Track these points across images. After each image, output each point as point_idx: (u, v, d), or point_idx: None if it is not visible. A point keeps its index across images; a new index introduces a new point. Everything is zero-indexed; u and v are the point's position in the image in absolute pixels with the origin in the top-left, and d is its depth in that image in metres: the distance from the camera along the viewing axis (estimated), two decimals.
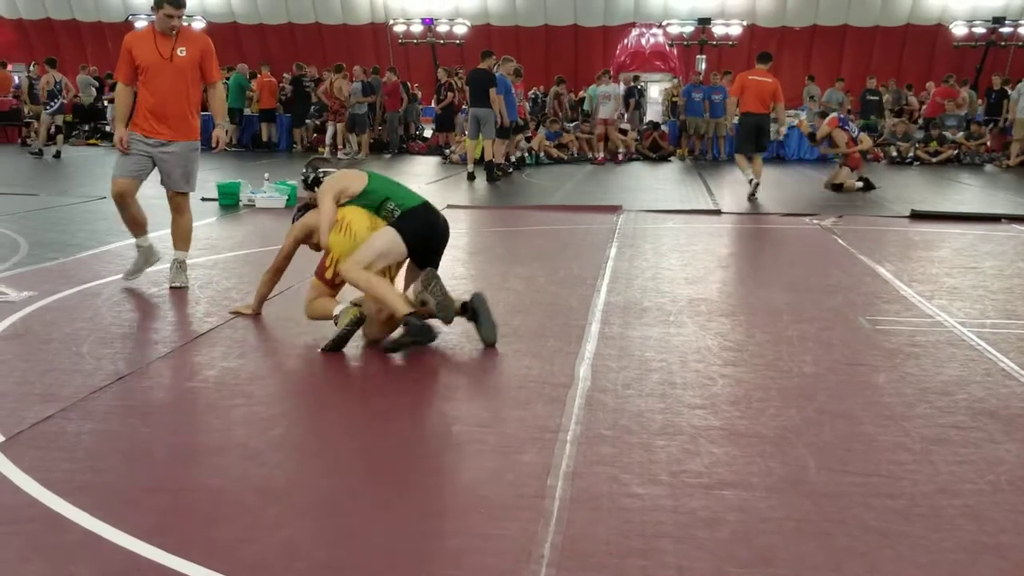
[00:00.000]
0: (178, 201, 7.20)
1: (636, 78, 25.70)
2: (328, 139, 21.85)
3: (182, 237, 7.17)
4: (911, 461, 3.83)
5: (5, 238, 9.18)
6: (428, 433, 4.16)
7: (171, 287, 6.92)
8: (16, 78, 26.58)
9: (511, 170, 17.51)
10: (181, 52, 6.84)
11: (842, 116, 16.15)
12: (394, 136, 22.64)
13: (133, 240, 7.30)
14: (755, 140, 13.83)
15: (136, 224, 7.20)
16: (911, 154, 21.35)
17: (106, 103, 25.78)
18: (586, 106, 23.91)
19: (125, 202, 7.06)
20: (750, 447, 3.96)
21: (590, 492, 3.48)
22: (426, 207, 5.74)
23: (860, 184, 14.73)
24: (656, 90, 29.99)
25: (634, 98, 24.37)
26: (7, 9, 34.60)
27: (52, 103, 20.17)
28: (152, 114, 6.87)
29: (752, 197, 13.38)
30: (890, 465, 3.79)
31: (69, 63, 32.52)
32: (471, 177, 16.18)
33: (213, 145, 7.39)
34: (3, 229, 9.68)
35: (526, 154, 19.61)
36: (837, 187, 14.75)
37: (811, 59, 31.88)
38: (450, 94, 21.37)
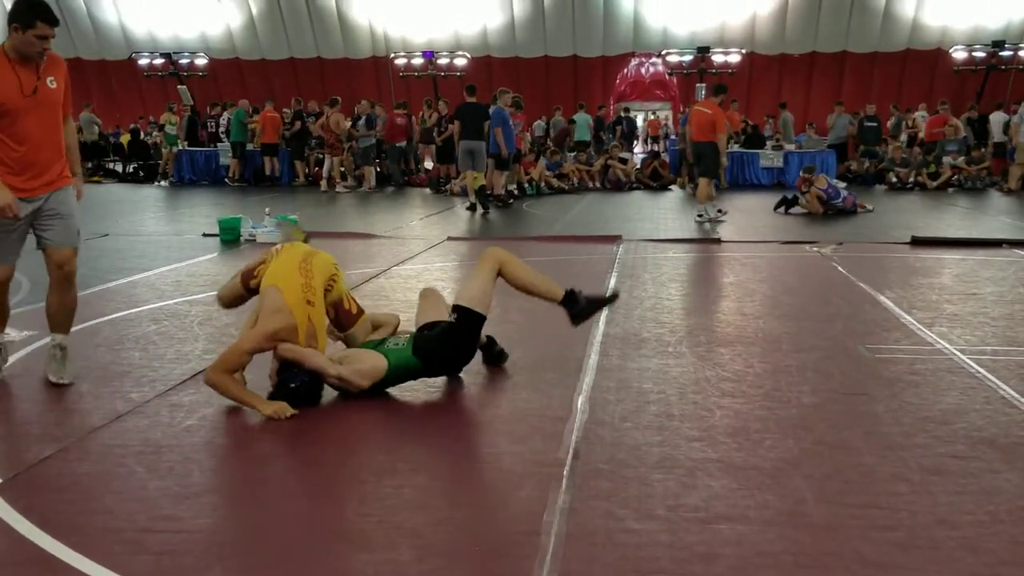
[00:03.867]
0: (70, 265, 5.56)
1: (626, 109, 26.09)
2: (324, 172, 21.96)
3: (67, 313, 5.60)
4: (909, 492, 3.82)
5: None
6: (424, 468, 4.15)
7: (53, 382, 5.42)
8: None
9: (511, 200, 17.54)
10: (51, 83, 5.29)
11: (831, 184, 16.44)
12: (395, 169, 22.74)
13: None
14: (697, 165, 15.05)
15: (2, 318, 5.74)
16: (911, 179, 21.37)
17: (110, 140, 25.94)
18: (578, 136, 24.33)
19: (4, 293, 5.63)
20: (748, 480, 3.95)
21: (586, 528, 3.47)
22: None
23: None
24: (640, 119, 30.31)
25: (621, 126, 24.64)
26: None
27: None
28: (22, 168, 5.24)
29: (698, 220, 14.32)
30: (888, 496, 3.78)
31: (72, 101, 32.68)
32: (471, 208, 16.22)
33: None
34: None
35: (525, 184, 19.65)
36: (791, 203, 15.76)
37: (811, 86, 32.05)
38: (451, 126, 21.47)
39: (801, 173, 17.19)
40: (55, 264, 5.49)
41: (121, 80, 35.09)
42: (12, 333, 6.52)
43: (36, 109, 5.21)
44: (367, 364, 5.19)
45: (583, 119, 25.11)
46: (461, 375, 5.58)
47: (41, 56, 5.20)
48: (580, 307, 5.68)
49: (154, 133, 25.75)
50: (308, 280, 5.19)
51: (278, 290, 5.13)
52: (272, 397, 5.00)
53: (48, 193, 5.38)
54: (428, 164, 24.12)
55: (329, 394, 5.23)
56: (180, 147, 24.44)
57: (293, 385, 4.97)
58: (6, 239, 5.33)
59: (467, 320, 5.43)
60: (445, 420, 4.97)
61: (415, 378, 5.34)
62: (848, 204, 15.91)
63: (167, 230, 13.82)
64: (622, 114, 26.59)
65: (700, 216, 14.26)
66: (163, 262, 10.23)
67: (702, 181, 14.51)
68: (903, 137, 24.33)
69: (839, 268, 9.71)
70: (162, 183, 23.78)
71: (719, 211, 14.48)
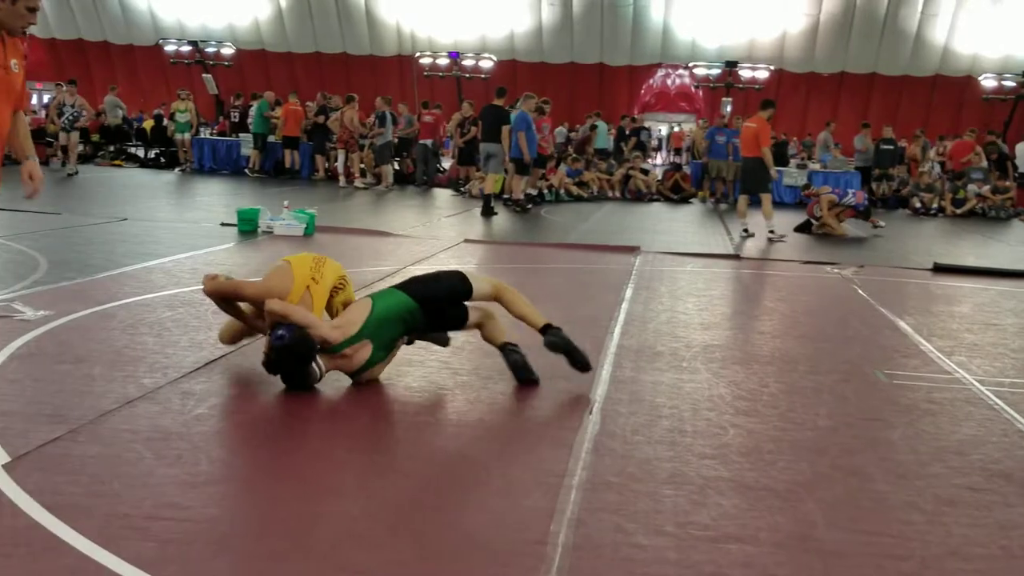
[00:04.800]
0: None
1: (633, 119, 26.13)
2: (340, 167, 22.03)
3: None
4: (923, 522, 3.77)
5: (25, 256, 9.22)
6: (431, 472, 4.12)
7: None
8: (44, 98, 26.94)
9: (529, 206, 17.52)
10: (15, 67, 4.79)
11: (834, 189, 16.53)
12: (421, 168, 22.73)
13: None
14: (744, 182, 15.19)
15: None
16: (935, 205, 21.25)
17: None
18: (598, 143, 24.41)
19: None
20: (759, 500, 3.90)
21: (593, 540, 3.43)
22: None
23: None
24: (664, 130, 30.26)
25: (636, 137, 24.66)
26: (40, 28, 35.00)
27: (67, 122, 20.45)
28: None
29: (745, 236, 14.28)
30: (901, 525, 3.73)
31: (99, 84, 32.92)
32: (494, 212, 16.20)
33: (29, 192, 5.24)
34: (24, 247, 9.73)
35: (545, 191, 19.61)
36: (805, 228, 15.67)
37: (839, 106, 31.94)
38: (473, 128, 21.48)
39: (802, 192, 17.24)
40: None
41: (147, 66, 35.24)
42: (28, 312, 6.53)
43: (3, 91, 4.61)
44: (345, 317, 5.33)
45: (603, 127, 25.22)
46: (475, 380, 5.55)
47: (25, 32, 4.78)
48: (558, 339, 5.54)
49: (165, 121, 25.80)
50: (318, 266, 5.60)
51: (288, 262, 5.62)
52: (265, 355, 5.16)
53: None
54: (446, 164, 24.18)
55: (343, 389, 5.21)
56: (191, 135, 24.40)
57: (279, 333, 5.05)
58: None
59: (463, 282, 5.52)
60: (455, 424, 4.94)
61: (408, 330, 5.41)
62: (860, 200, 15.96)
63: (185, 217, 13.84)
64: (641, 126, 26.56)
65: (771, 233, 14.15)
66: (180, 249, 10.23)
67: (764, 198, 14.56)
68: (932, 163, 24.13)
69: (859, 291, 9.65)
70: (186, 169, 23.82)
71: (744, 230, 14.43)
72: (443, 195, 20.39)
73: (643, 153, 24.53)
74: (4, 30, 4.56)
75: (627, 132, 24.93)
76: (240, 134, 24.92)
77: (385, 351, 5.36)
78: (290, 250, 10.41)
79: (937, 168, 23.85)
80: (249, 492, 3.86)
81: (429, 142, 22.88)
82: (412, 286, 5.48)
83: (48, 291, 7.49)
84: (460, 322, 5.52)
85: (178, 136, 24.13)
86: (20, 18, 4.56)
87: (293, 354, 5.06)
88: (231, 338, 5.84)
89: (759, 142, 14.40)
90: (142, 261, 9.26)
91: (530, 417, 4.94)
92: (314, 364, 5.13)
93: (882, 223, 16.33)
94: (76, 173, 20.15)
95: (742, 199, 15.10)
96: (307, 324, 5.14)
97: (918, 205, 21.36)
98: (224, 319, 5.98)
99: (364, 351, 5.23)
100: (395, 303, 5.36)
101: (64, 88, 22.13)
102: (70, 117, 20.63)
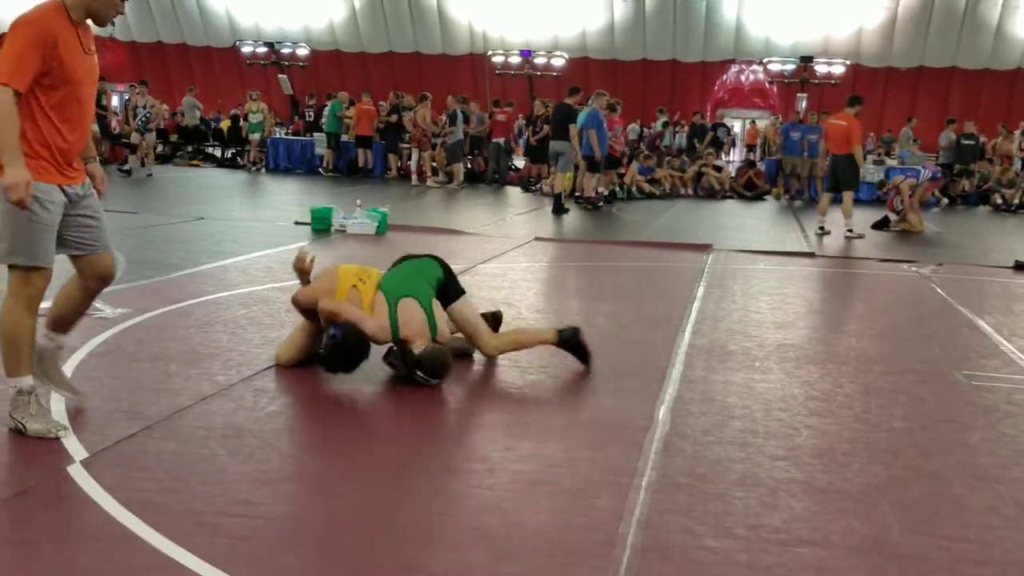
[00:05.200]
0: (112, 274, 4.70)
1: (701, 116, 25.91)
2: (413, 166, 22.16)
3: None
4: (1002, 527, 3.68)
5: None
6: (499, 470, 4.11)
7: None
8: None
9: (601, 204, 17.45)
10: (93, 55, 4.37)
11: (908, 174, 16.32)
12: (493, 166, 22.79)
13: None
14: (833, 179, 14.65)
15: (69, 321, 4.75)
16: (1016, 201, 20.73)
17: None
18: (667, 140, 24.34)
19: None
20: (832, 503, 3.84)
21: (662, 542, 3.40)
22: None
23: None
24: (737, 127, 29.93)
25: (713, 133, 24.46)
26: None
27: (140, 124, 20.81)
28: (68, 159, 4.28)
29: (821, 234, 14.13)
30: (980, 530, 3.64)
31: (177, 85, 33.56)
32: (566, 210, 16.18)
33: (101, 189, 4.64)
34: None
35: (617, 188, 19.52)
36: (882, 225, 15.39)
37: (916, 101, 31.33)
38: (546, 126, 21.49)
39: (878, 191, 16.84)
40: (99, 274, 4.55)
41: (224, 67, 35.82)
42: (107, 310, 6.67)
43: (87, 82, 4.30)
44: (376, 310, 5.49)
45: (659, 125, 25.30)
46: (544, 378, 5.55)
47: (113, 21, 4.47)
48: (575, 338, 5.80)
49: (241, 122, 26.14)
50: (364, 272, 5.72)
51: (335, 267, 5.81)
52: (322, 353, 5.33)
53: (85, 181, 4.44)
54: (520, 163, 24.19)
55: (411, 389, 5.24)
56: (264, 135, 24.70)
57: (332, 332, 5.23)
58: (47, 235, 4.23)
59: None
60: (523, 423, 4.93)
61: (437, 278, 5.71)
62: (931, 171, 15.92)
63: (260, 216, 14.03)
64: (719, 122, 26.38)
65: (849, 231, 13.94)
66: (255, 248, 10.37)
67: (846, 195, 14.28)
68: (1016, 158, 23.54)
69: (938, 289, 9.45)
70: (255, 169, 24.12)
71: (821, 227, 14.23)
72: (514, 193, 20.41)
73: (718, 150, 24.33)
74: (89, 19, 4.32)
75: (701, 128, 24.74)
76: (314, 134, 25.21)
77: (428, 300, 5.54)
78: (362, 248, 10.52)
79: (1018, 164, 23.28)
80: (319, 490, 3.89)
81: (502, 140, 22.93)
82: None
83: (126, 289, 7.63)
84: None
85: (252, 136, 24.46)
86: (112, 8, 4.32)
87: (347, 349, 5.23)
88: (289, 359, 5.65)
89: (850, 139, 14.13)
90: (218, 260, 9.41)
91: (599, 417, 4.91)
92: (419, 351, 5.28)
93: (944, 200, 16.10)
94: (151, 175, 20.49)
95: (825, 196, 14.79)
96: (357, 320, 5.32)
97: (999, 201, 20.87)
98: (283, 337, 6.03)
99: (412, 308, 5.44)
100: (405, 268, 5.78)
101: (136, 89, 22.47)
102: (143, 119, 20.97)
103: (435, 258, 5.91)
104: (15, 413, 4.22)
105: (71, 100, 4.20)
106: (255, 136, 24.35)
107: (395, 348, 5.40)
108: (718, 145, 24.58)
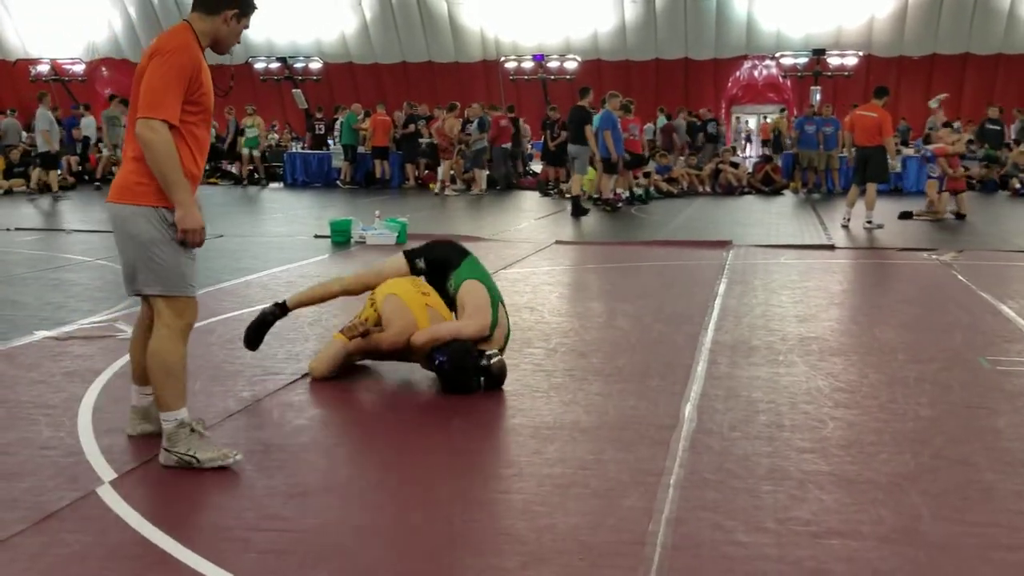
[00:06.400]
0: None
1: (691, 113, 25.87)
2: (440, 176, 22.15)
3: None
4: None
5: None
6: (528, 474, 4.12)
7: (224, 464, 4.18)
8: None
9: (620, 205, 17.44)
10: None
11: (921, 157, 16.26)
12: (499, 171, 22.83)
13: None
14: (862, 172, 14.46)
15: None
16: None
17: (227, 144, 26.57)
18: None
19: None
20: (861, 494, 3.83)
21: (692, 539, 3.40)
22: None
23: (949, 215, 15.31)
24: (753, 122, 29.79)
25: (703, 131, 24.46)
26: (133, 53, 35.97)
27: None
28: (199, 176, 4.26)
29: (845, 225, 14.13)
30: (1011, 515, 3.62)
31: None
32: (584, 212, 16.19)
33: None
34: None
35: (635, 188, 19.49)
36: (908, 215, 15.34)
37: (930, 89, 31.10)
38: (563, 132, 21.54)
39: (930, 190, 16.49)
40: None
41: (238, 84, 35.86)
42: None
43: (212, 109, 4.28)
44: (471, 304, 5.54)
45: (660, 122, 25.28)
46: (568, 381, 5.56)
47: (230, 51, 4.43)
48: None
49: (239, 138, 26.07)
50: (413, 280, 5.74)
51: (395, 295, 5.55)
52: (439, 379, 5.42)
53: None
54: (538, 167, 24.19)
55: (436, 397, 5.26)
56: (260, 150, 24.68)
57: (438, 360, 5.28)
58: (195, 264, 4.27)
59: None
60: (551, 426, 4.93)
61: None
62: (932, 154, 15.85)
63: (279, 231, 14.09)
64: (710, 118, 26.29)
65: (869, 223, 13.87)
66: (275, 263, 10.42)
67: (870, 187, 14.19)
68: None
69: (959, 277, 9.40)
70: (265, 185, 24.10)
71: (845, 218, 14.22)
72: (533, 198, 20.42)
73: (714, 145, 24.30)
74: (211, 46, 4.27)
75: (697, 125, 24.79)
76: (325, 147, 25.29)
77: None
78: (382, 259, 10.53)
79: None
80: (348, 502, 3.91)
81: (508, 146, 22.96)
82: (454, 249, 5.94)
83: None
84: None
85: (245, 151, 24.44)
86: (235, 37, 4.32)
87: (460, 369, 5.29)
88: (324, 372, 5.65)
89: (882, 131, 14.08)
90: (239, 276, 9.46)
91: (625, 416, 4.91)
92: (485, 362, 5.32)
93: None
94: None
95: (854, 189, 14.64)
96: (454, 335, 5.36)
97: (1018, 186, 20.72)
98: (307, 352, 6.04)
99: (503, 314, 5.67)
100: (477, 263, 5.82)
101: (118, 108, 21.57)
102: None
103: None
104: (178, 447, 4.11)
105: (204, 127, 4.18)
106: (249, 150, 24.34)
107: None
108: (713, 141, 24.55)
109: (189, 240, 4.08)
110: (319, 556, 3.31)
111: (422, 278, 5.79)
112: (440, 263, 5.79)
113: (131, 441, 4.49)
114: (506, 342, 5.75)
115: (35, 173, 20.62)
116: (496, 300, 5.62)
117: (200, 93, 4.06)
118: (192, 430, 4.15)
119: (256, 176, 24.78)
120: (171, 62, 3.99)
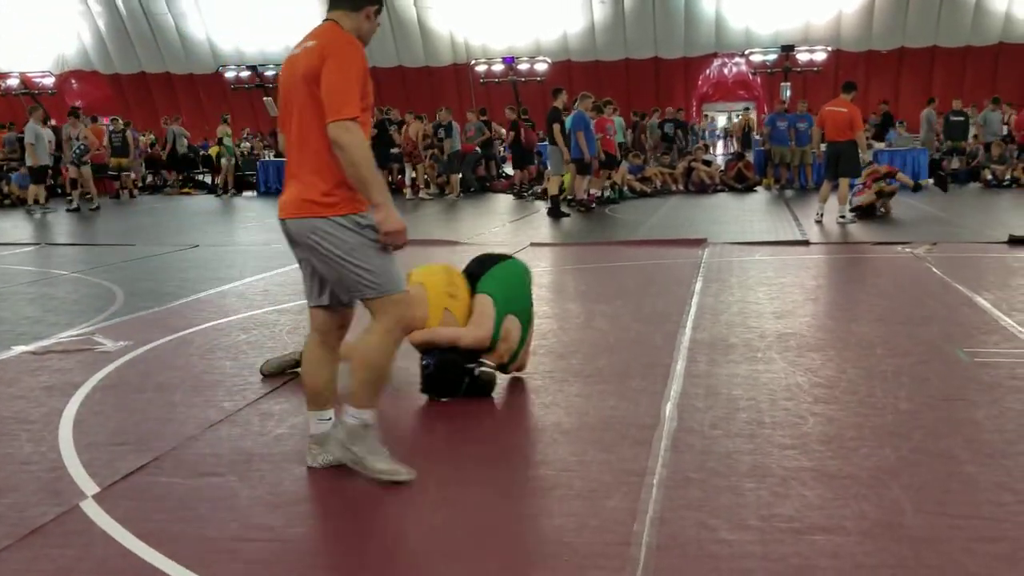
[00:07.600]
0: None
1: (641, 114, 25.98)
2: (407, 180, 22.18)
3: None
4: (1014, 502, 3.69)
5: (102, 289, 9.43)
6: (512, 477, 4.13)
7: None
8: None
9: (593, 205, 17.47)
10: None
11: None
12: (468, 173, 22.84)
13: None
14: (833, 167, 14.47)
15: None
16: (1008, 177, 20.76)
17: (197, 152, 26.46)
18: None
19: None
20: (843, 489, 3.85)
21: (677, 538, 3.41)
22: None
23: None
24: (722, 120, 29.94)
25: (660, 131, 24.58)
26: (103, 64, 35.83)
27: (76, 156, 20.13)
28: None
29: (819, 221, 14.20)
30: (992, 507, 3.65)
31: (162, 114, 33.56)
32: (564, 215, 16.20)
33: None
34: (101, 280, 9.96)
35: (609, 190, 19.53)
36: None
37: (899, 83, 31.40)
38: (511, 133, 21.64)
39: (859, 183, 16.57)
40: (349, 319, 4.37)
41: (209, 93, 35.82)
42: (108, 344, 6.68)
43: None
44: (475, 312, 5.44)
45: (618, 121, 25.24)
46: (549, 383, 5.57)
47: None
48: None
49: (210, 148, 25.93)
50: (451, 279, 5.57)
51: (422, 286, 5.45)
52: (421, 381, 5.34)
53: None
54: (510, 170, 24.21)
55: (419, 403, 5.25)
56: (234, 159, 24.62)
57: (425, 362, 5.28)
58: (394, 262, 4.18)
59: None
60: (533, 428, 4.95)
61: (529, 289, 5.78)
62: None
63: (255, 240, 14.03)
64: (669, 118, 26.39)
65: (843, 217, 14.00)
66: (251, 271, 10.38)
67: (843, 181, 14.27)
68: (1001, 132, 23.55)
69: (934, 269, 9.47)
70: (236, 194, 24.04)
71: (818, 213, 14.30)
72: (507, 200, 20.43)
73: (670, 145, 24.39)
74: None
75: (658, 125, 24.92)
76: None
77: (527, 322, 5.59)
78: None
79: (1005, 134, 23.31)
80: (333, 509, 3.90)
81: (475, 151, 23.07)
82: (492, 260, 5.76)
83: (126, 322, 7.65)
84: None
85: (224, 161, 24.32)
86: (372, 33, 4.28)
87: (441, 378, 5.27)
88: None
89: (852, 126, 14.15)
90: (215, 286, 9.41)
91: (606, 417, 4.92)
92: (478, 370, 5.28)
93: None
94: (78, 209, 19.56)
95: (826, 184, 14.72)
96: (452, 341, 5.30)
97: (990, 177, 20.90)
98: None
99: (514, 327, 5.47)
100: (502, 273, 5.62)
101: (69, 120, 21.51)
102: (77, 150, 20.22)
103: (525, 268, 5.85)
104: (355, 445, 4.06)
105: (367, 126, 4.06)
106: (225, 162, 24.23)
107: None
108: (668, 141, 24.63)
109: (392, 242, 4.03)
110: (306, 564, 3.31)
111: (463, 280, 5.64)
112: (470, 275, 5.69)
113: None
114: (512, 360, 5.54)
115: (31, 190, 20.01)
116: (503, 314, 5.41)
117: (367, 90, 4.02)
118: (369, 435, 4.09)
119: (227, 186, 24.66)
120: (354, 57, 3.96)
